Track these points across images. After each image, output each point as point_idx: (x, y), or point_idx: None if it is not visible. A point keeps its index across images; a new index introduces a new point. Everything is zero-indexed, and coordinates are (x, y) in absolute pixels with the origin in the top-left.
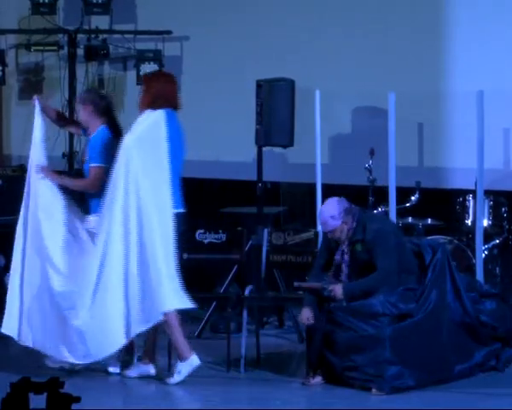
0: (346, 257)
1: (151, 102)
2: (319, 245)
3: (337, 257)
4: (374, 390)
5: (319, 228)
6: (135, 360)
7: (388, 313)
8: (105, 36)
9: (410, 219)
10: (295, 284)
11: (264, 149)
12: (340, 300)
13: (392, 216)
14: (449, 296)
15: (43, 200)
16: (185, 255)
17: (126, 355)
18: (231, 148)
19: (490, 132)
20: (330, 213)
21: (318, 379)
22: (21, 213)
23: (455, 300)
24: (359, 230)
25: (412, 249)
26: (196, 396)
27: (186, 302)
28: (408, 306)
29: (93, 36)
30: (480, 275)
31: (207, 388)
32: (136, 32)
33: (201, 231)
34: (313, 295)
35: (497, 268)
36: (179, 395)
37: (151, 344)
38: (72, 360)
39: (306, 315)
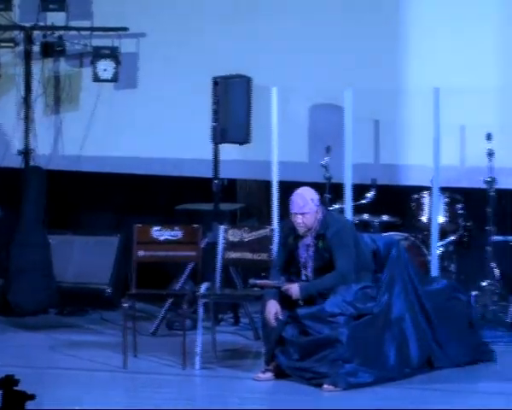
0: (311, 251)
1: None
2: (275, 242)
3: (301, 252)
4: (325, 386)
5: (275, 226)
6: None
7: (346, 313)
8: (61, 32)
9: (365, 216)
10: (251, 281)
11: (220, 145)
12: (296, 299)
13: (348, 213)
14: (405, 292)
15: None
16: (141, 252)
17: None
18: (188, 145)
19: (446, 130)
20: (311, 195)
21: (269, 375)
22: None
23: (411, 295)
24: (323, 225)
25: (368, 246)
26: (153, 394)
27: None
28: (366, 305)
29: (49, 33)
30: (434, 272)
31: (164, 385)
32: (92, 29)
33: (157, 228)
34: (275, 292)
35: (452, 265)
36: (133, 393)
37: None
38: None
39: (274, 309)
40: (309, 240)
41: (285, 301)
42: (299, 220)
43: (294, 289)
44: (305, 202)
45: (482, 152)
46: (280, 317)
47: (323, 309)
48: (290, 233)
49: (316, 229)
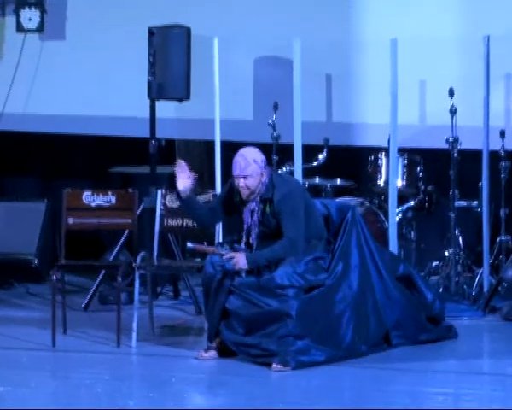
0: (256, 217)
1: None
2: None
3: (246, 218)
4: (274, 365)
5: (218, 190)
6: None
7: (296, 285)
8: None
9: (317, 180)
10: (188, 245)
11: (157, 102)
12: (242, 270)
13: (298, 176)
14: (362, 262)
15: None
16: (70, 219)
17: None
18: (121, 101)
19: (404, 85)
20: (254, 156)
21: (212, 353)
22: None
23: (369, 265)
24: (269, 189)
25: (320, 213)
26: (84, 374)
27: None
28: (318, 277)
29: None
30: (393, 240)
31: (96, 365)
32: None
33: (88, 193)
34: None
35: (412, 232)
36: (62, 373)
37: None
38: None
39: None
40: (253, 205)
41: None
42: (241, 183)
43: (241, 258)
44: (247, 164)
45: (444, 109)
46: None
47: (272, 280)
48: (237, 192)
49: (260, 193)
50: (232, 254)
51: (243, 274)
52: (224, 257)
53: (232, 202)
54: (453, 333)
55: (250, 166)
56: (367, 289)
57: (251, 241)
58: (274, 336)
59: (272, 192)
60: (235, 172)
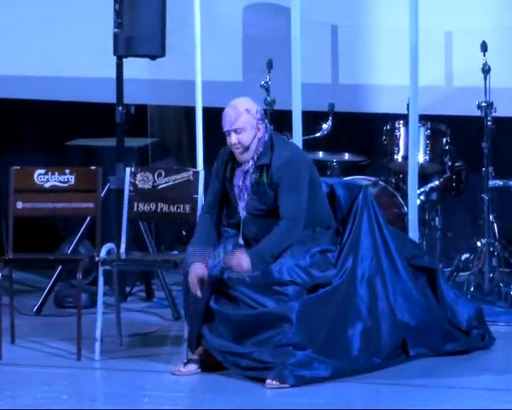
0: (249, 181)
1: None
2: (201, 187)
3: (237, 179)
4: (268, 381)
5: (200, 167)
6: None
7: (298, 282)
8: None
9: (321, 154)
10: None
11: (125, 60)
12: (247, 271)
13: None
14: (375, 256)
15: None
16: (19, 204)
17: None
18: (81, 59)
19: (426, 38)
20: (247, 105)
21: (192, 368)
22: None
23: (384, 260)
24: (267, 152)
25: (325, 194)
26: (37, 393)
27: None
28: (325, 273)
29: None
30: (413, 228)
31: (52, 382)
32: None
33: (41, 171)
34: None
35: (437, 218)
36: (10, 393)
37: None
38: None
39: (200, 273)
40: (248, 166)
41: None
42: (233, 140)
43: (242, 259)
44: (238, 114)
45: (475, 67)
46: (207, 284)
47: (269, 273)
48: (228, 163)
49: (258, 152)
50: (232, 258)
51: (247, 278)
52: (223, 264)
53: (222, 176)
54: (486, 342)
55: (241, 116)
56: (379, 287)
57: (240, 212)
58: (269, 344)
59: (271, 157)
60: (225, 126)
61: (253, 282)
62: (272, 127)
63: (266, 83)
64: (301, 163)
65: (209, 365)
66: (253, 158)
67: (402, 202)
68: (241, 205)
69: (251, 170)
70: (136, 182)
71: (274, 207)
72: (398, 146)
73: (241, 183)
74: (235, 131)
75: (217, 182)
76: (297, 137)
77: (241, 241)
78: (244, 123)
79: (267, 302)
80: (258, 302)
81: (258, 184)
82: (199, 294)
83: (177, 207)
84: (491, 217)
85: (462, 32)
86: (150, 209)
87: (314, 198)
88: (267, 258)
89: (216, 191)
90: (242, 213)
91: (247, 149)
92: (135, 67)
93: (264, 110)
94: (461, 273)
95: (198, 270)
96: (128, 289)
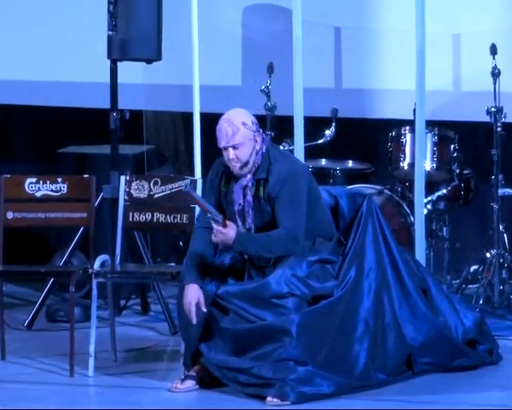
0: (250, 196)
1: None
2: (202, 192)
3: (237, 196)
4: (269, 399)
5: (198, 175)
6: None
7: (297, 294)
8: None
9: (323, 162)
10: (187, 187)
11: (120, 64)
12: (228, 245)
13: (299, 157)
14: (380, 268)
15: None
16: (10, 214)
17: None
18: (73, 63)
19: (434, 40)
20: (243, 118)
21: (190, 384)
22: None
23: (388, 271)
24: (265, 165)
25: (328, 204)
26: None
27: None
28: (325, 284)
29: None
30: (420, 239)
31: (43, 399)
32: None
33: (33, 179)
34: (197, 271)
35: (445, 229)
36: None
37: None
38: None
39: (195, 297)
40: (246, 180)
41: (213, 272)
42: (231, 156)
43: (230, 231)
44: (235, 129)
45: (484, 71)
46: (203, 309)
47: (266, 286)
48: (222, 175)
49: (256, 165)
50: (221, 228)
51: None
52: (216, 225)
53: (217, 188)
54: (495, 358)
55: (239, 131)
56: (384, 299)
57: (250, 229)
58: (269, 358)
59: (268, 170)
60: (222, 142)
61: (249, 295)
62: (272, 134)
63: (266, 87)
64: (299, 176)
65: (207, 381)
66: (250, 171)
67: (408, 211)
68: (249, 220)
69: (250, 184)
70: (132, 191)
71: (270, 222)
72: (404, 153)
73: (241, 200)
74: (234, 147)
75: (212, 195)
76: (298, 144)
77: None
78: (242, 138)
79: (265, 315)
80: (257, 316)
81: (255, 200)
82: (194, 321)
83: (174, 217)
84: (500, 227)
85: (471, 34)
86: (146, 219)
87: (313, 209)
88: (251, 248)
89: (211, 204)
90: (251, 228)
91: (245, 163)
92: (130, 71)
93: (265, 116)
94: (469, 286)
95: (193, 294)
96: (123, 302)
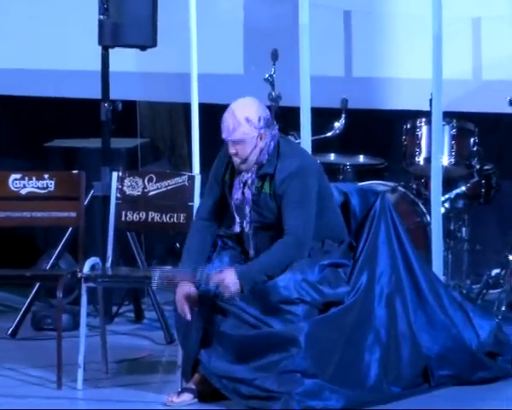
0: (250, 193)
1: None
2: (197, 194)
3: (235, 191)
4: None
5: (196, 170)
6: None
7: (307, 300)
8: None
9: (332, 157)
10: (154, 273)
11: (111, 51)
12: (235, 293)
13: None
14: (394, 272)
15: None
16: None
17: None
18: (61, 49)
19: (452, 25)
20: (248, 113)
21: (187, 398)
22: None
23: (403, 276)
24: (273, 160)
25: (337, 203)
26: None
27: None
28: (336, 290)
29: None
30: (437, 239)
31: None
32: None
33: (17, 176)
34: (191, 266)
35: (464, 229)
36: None
37: None
38: None
39: (187, 292)
40: (248, 176)
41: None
42: (231, 150)
43: (229, 277)
44: (237, 124)
45: (507, 58)
46: (197, 305)
47: (275, 290)
48: (228, 166)
49: (259, 163)
50: (216, 276)
51: (237, 298)
52: (208, 283)
53: (222, 179)
54: None
55: (240, 126)
56: (398, 306)
57: (245, 228)
58: (274, 369)
59: (276, 165)
60: (223, 134)
61: (254, 296)
62: (278, 127)
63: (271, 76)
64: (309, 172)
65: (206, 394)
66: (251, 169)
67: (424, 210)
68: (246, 220)
69: (249, 181)
70: (124, 188)
71: (276, 220)
72: (419, 147)
73: (239, 195)
74: (234, 142)
75: (216, 185)
76: (305, 138)
77: (251, 252)
78: (242, 134)
79: (272, 322)
80: (262, 321)
81: (259, 195)
82: (188, 317)
83: (170, 217)
84: None
85: (492, 18)
86: (140, 219)
87: (324, 209)
88: (260, 278)
89: (215, 196)
90: (248, 229)
91: (245, 160)
92: (122, 59)
93: (269, 107)
94: (490, 291)
95: (185, 288)
96: (115, 309)
